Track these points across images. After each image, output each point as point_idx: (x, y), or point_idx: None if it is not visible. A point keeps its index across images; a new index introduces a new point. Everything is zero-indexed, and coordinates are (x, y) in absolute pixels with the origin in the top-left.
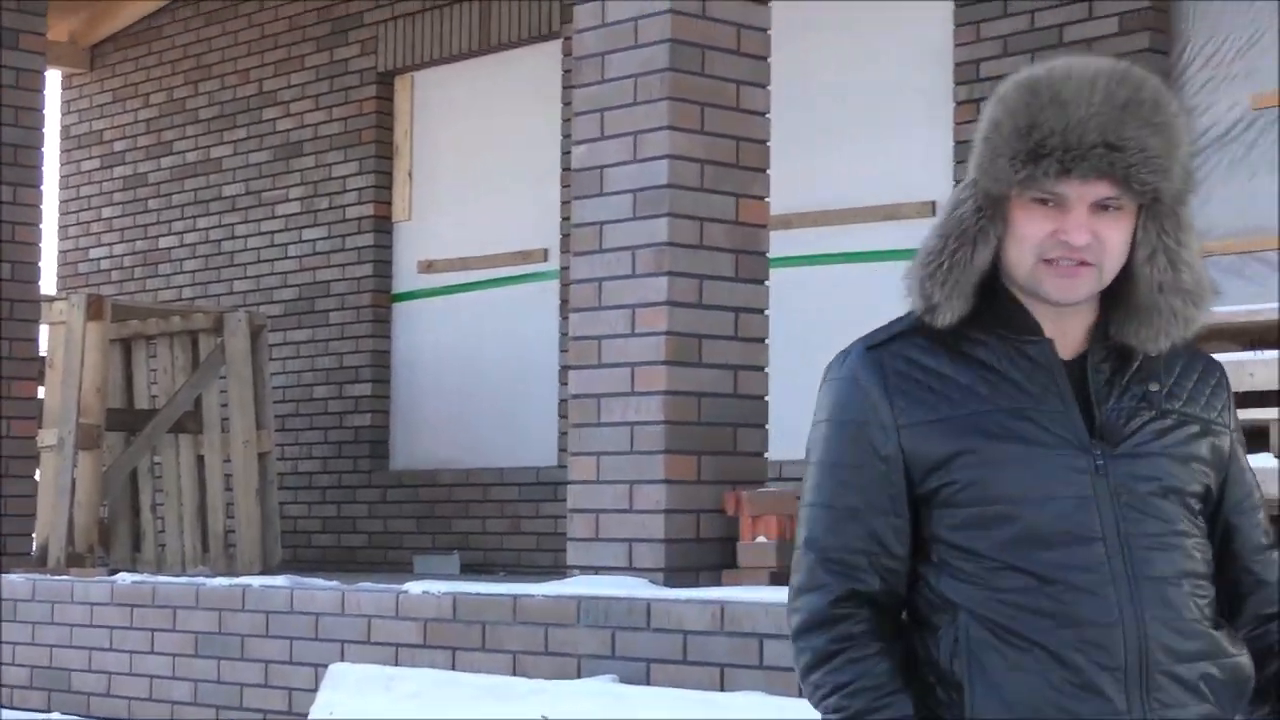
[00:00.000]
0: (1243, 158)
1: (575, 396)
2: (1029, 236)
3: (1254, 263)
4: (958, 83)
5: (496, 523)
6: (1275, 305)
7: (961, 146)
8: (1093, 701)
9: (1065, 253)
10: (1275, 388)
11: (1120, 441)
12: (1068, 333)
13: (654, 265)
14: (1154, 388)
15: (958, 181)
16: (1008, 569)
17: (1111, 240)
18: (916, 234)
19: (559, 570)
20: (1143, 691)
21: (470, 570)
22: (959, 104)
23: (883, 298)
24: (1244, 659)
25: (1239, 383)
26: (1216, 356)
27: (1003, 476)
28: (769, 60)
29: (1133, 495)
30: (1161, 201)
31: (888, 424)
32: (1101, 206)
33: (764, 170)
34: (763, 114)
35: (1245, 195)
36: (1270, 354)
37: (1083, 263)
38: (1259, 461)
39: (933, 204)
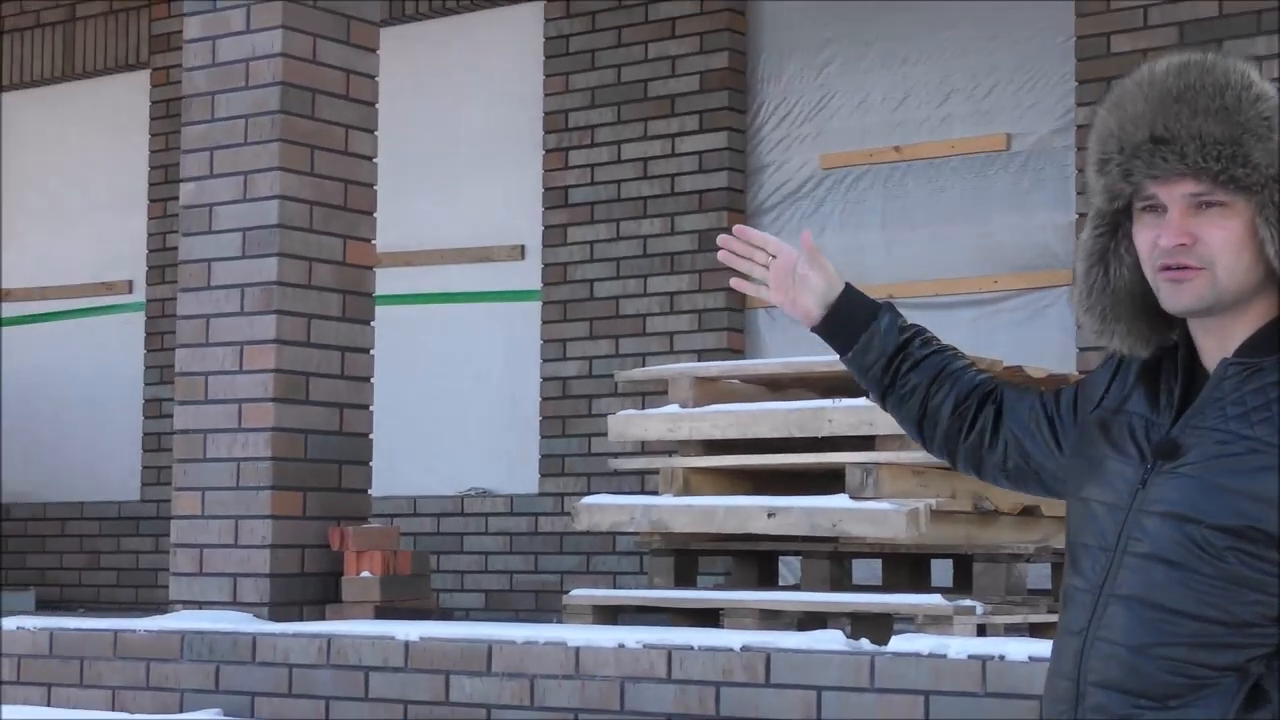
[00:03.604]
0: (813, 213)
1: (181, 432)
2: (1140, 246)
3: None
4: (547, 131)
5: (74, 558)
6: None
7: (550, 193)
8: (1058, 706)
9: (1166, 259)
10: (850, 434)
11: (1171, 457)
12: (1228, 341)
13: (263, 303)
14: (1244, 407)
15: (545, 227)
16: (1070, 562)
17: (1213, 239)
18: (506, 276)
19: (140, 606)
20: (1078, 706)
21: (46, 606)
22: (548, 152)
23: (471, 337)
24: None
25: (818, 428)
26: None
27: (1086, 475)
28: (376, 106)
29: (1144, 513)
30: (1270, 189)
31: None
32: (1201, 204)
33: (371, 213)
34: (370, 158)
35: None
36: (846, 401)
37: (1186, 267)
38: (835, 501)
39: (522, 247)
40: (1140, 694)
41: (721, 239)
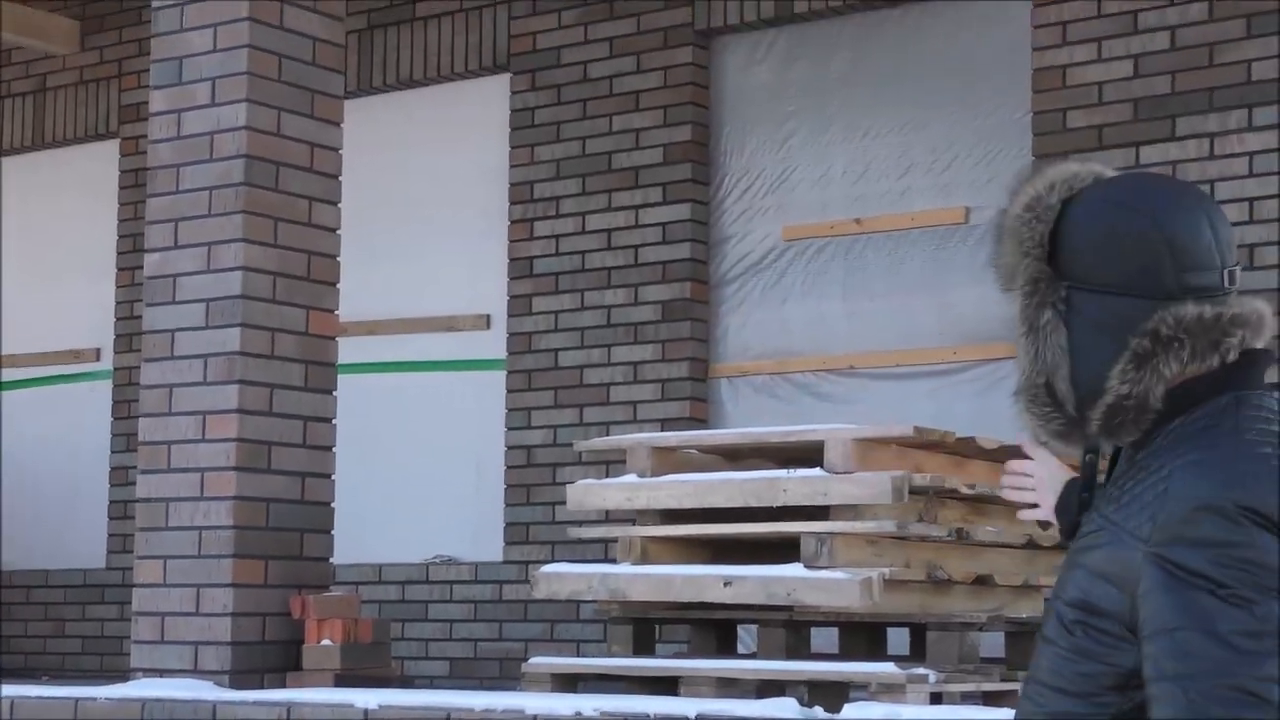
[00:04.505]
0: (775, 284)
1: (143, 500)
2: None
3: (785, 384)
4: (512, 202)
5: (39, 625)
6: (806, 427)
7: (515, 263)
8: None
9: None
10: (805, 503)
11: (1072, 540)
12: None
13: (225, 373)
14: (1115, 488)
15: (510, 296)
16: None
17: None
18: (472, 345)
19: (105, 674)
20: None
21: (10, 675)
22: (513, 222)
23: (437, 406)
24: None
25: (773, 498)
26: None
27: None
28: (340, 179)
29: (1054, 598)
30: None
31: None
32: None
33: (334, 284)
34: (333, 230)
35: (777, 320)
36: (801, 472)
37: None
38: (790, 570)
39: (487, 317)
40: None
41: (1003, 480)
